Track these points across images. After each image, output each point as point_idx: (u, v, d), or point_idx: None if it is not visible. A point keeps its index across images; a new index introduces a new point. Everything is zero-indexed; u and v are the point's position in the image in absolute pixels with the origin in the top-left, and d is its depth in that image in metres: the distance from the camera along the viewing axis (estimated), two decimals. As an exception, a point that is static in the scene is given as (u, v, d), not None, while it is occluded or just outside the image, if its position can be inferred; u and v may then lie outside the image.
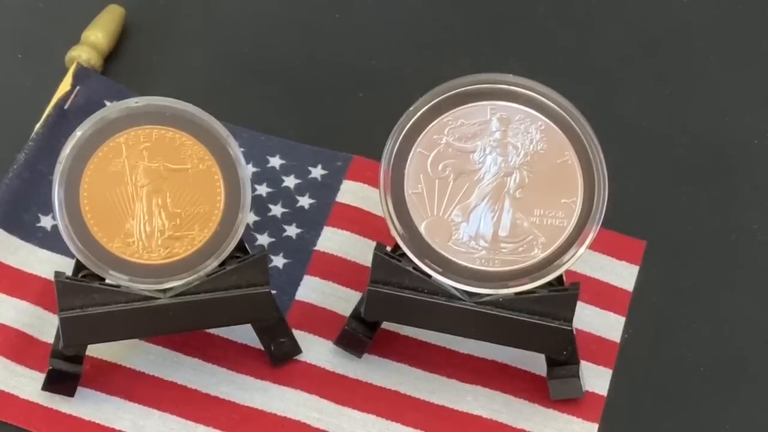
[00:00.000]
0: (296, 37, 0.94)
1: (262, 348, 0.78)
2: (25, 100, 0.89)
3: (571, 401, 0.78)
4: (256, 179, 0.86)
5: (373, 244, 0.76)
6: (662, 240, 0.85)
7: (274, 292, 0.76)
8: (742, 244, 0.85)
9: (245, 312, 0.76)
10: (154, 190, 0.74)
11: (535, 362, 0.78)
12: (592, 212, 0.74)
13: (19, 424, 0.76)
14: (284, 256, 0.83)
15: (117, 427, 0.76)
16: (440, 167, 0.74)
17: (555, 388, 0.77)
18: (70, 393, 0.76)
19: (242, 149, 0.75)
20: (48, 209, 0.83)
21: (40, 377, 0.76)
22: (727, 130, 0.90)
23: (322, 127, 0.89)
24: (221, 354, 0.79)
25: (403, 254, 0.75)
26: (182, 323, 0.75)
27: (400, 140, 0.74)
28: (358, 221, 0.84)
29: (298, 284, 0.82)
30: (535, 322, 0.74)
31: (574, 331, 0.75)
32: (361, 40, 0.94)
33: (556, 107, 0.73)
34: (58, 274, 0.74)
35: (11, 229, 0.83)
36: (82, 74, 0.88)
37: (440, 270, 0.74)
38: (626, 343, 0.81)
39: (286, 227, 0.84)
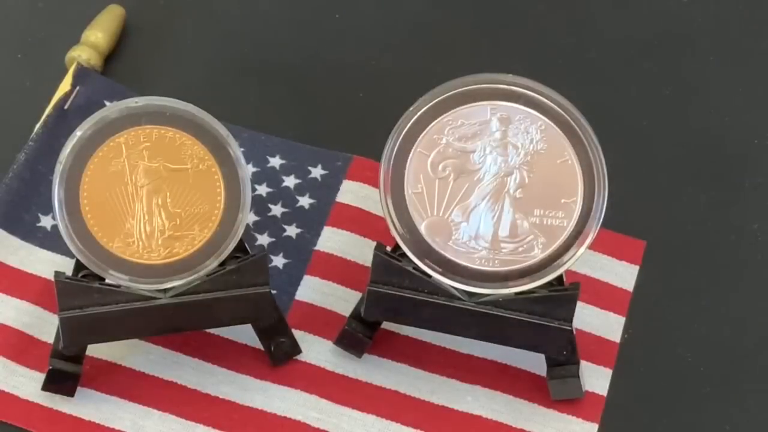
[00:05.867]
0: (296, 37, 0.94)
1: (262, 348, 0.78)
2: (25, 100, 0.89)
3: (571, 401, 0.78)
4: (256, 179, 0.86)
5: (373, 244, 0.76)
6: (662, 240, 0.85)
7: (274, 292, 0.76)
8: (742, 244, 0.85)
9: (245, 312, 0.76)
10: (154, 189, 0.74)
11: (535, 362, 0.78)
12: (592, 212, 0.74)
13: (19, 424, 0.76)
14: (284, 256, 0.83)
15: (117, 427, 0.76)
16: (440, 167, 0.74)
17: (555, 388, 0.77)
18: (70, 393, 0.76)
19: (242, 149, 0.75)
20: (48, 209, 0.83)
21: (40, 377, 0.76)
22: (727, 130, 0.90)
23: (322, 127, 0.89)
24: (221, 354, 0.79)
25: (403, 254, 0.75)
26: (182, 323, 0.75)
27: (400, 140, 0.74)
28: (358, 221, 0.84)
29: (298, 284, 0.82)
30: (535, 322, 0.74)
31: (574, 331, 0.75)
32: (361, 40, 0.94)
33: (556, 107, 0.73)
34: (58, 274, 0.74)
35: (11, 229, 0.83)
36: (82, 74, 0.88)
37: (440, 270, 0.74)
38: (626, 343, 0.81)
39: (286, 227, 0.84)
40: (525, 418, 0.77)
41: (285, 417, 0.77)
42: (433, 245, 0.74)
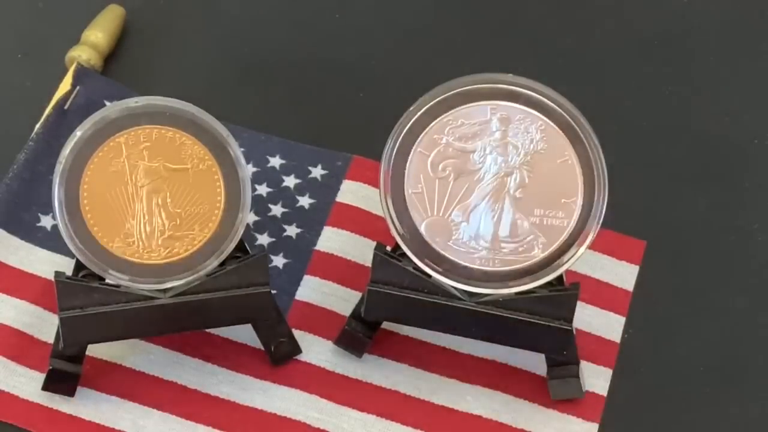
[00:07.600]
0: (296, 37, 0.94)
1: (262, 348, 0.78)
2: (25, 100, 0.89)
3: (571, 401, 0.78)
4: (256, 179, 0.86)
5: (373, 244, 0.76)
6: (662, 240, 0.85)
7: (274, 292, 0.77)
8: (742, 244, 0.85)
9: (245, 312, 0.76)
10: (154, 189, 0.74)
11: (535, 362, 0.78)
12: (592, 212, 0.74)
13: (19, 424, 0.76)
14: (284, 256, 0.83)
15: (117, 427, 0.76)
16: (440, 167, 0.74)
17: (555, 388, 0.77)
18: (70, 393, 0.76)
19: (242, 149, 0.75)
20: (48, 209, 0.83)
21: (40, 377, 0.76)
22: (727, 130, 0.90)
23: (322, 127, 0.89)
24: (221, 354, 0.79)
25: (403, 254, 0.75)
26: (182, 323, 0.75)
27: (400, 140, 0.74)
28: (358, 221, 0.84)
29: (298, 284, 0.82)
30: (535, 322, 0.74)
31: (574, 331, 0.75)
32: (361, 40, 0.94)
33: (556, 107, 0.73)
34: (58, 274, 0.74)
35: (11, 229, 0.83)
36: (82, 74, 0.88)
37: (440, 270, 0.74)
38: (626, 343, 0.81)
39: (286, 227, 0.84)
40: (525, 418, 0.77)
41: (285, 417, 0.77)
42: (433, 245, 0.74)
